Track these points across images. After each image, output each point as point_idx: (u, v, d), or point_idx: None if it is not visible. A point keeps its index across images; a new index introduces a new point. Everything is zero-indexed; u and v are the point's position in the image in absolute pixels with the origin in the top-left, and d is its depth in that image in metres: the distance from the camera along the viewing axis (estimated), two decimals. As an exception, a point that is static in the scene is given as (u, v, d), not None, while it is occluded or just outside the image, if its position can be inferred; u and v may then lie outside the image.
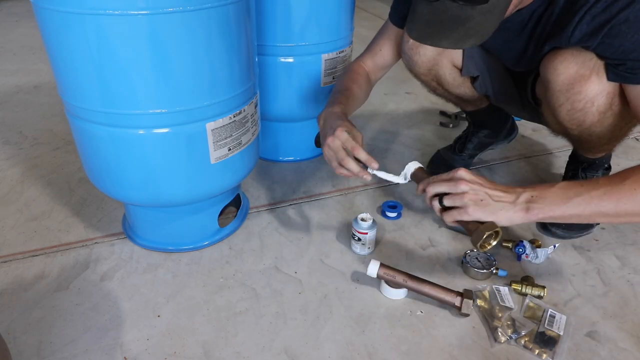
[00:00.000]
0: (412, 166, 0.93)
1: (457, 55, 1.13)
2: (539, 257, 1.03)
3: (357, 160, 0.89)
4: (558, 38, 0.86)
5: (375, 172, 0.92)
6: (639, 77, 0.82)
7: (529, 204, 0.79)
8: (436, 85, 1.20)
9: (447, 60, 1.13)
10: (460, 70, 1.15)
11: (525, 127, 1.62)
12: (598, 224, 1.14)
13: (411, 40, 1.09)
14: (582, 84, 0.88)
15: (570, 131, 1.00)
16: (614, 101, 0.89)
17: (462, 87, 1.19)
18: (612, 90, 0.88)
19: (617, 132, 0.96)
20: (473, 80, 1.18)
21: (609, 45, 0.81)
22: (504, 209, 0.80)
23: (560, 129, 1.04)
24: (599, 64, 0.86)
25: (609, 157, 1.15)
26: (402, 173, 0.94)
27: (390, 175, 0.93)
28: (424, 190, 0.86)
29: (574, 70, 0.88)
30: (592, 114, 0.91)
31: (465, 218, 0.81)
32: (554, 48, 0.90)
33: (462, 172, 0.82)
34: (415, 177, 0.92)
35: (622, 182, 0.76)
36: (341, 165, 0.89)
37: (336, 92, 1.06)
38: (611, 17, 0.78)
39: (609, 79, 0.86)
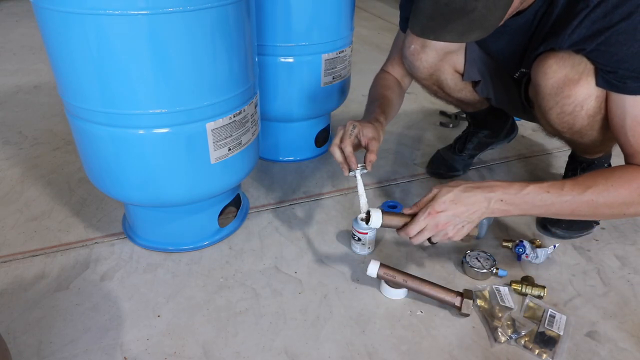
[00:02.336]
0: (377, 220, 0.87)
1: (458, 60, 1.13)
2: (539, 257, 1.03)
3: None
4: (554, 40, 0.86)
5: (354, 173, 0.93)
6: (628, 87, 0.82)
7: (498, 207, 0.84)
8: (437, 89, 1.21)
9: (448, 66, 1.13)
10: (462, 75, 1.15)
11: (525, 127, 1.62)
12: (598, 223, 1.14)
13: (413, 46, 1.09)
14: (571, 87, 0.88)
15: (562, 134, 1.00)
16: (603, 105, 0.89)
17: (464, 91, 1.19)
18: (601, 94, 0.88)
19: (610, 135, 0.95)
20: (474, 84, 1.17)
21: (604, 53, 0.81)
22: (480, 218, 0.85)
23: (553, 131, 1.04)
24: (589, 68, 0.86)
25: (608, 157, 1.15)
26: (363, 214, 0.89)
27: (362, 193, 0.93)
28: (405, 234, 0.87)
29: (563, 74, 0.88)
30: (581, 117, 0.92)
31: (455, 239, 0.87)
32: (547, 50, 0.90)
33: (435, 211, 0.83)
34: (386, 224, 0.88)
35: (583, 192, 0.81)
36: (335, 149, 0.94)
37: (371, 102, 1.10)
38: (610, 25, 0.77)
39: (598, 84, 0.86)
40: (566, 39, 0.83)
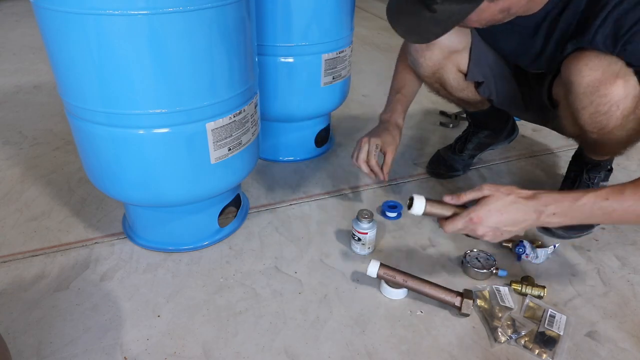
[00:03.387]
0: (420, 207, 0.87)
1: (462, 60, 1.13)
2: (539, 257, 1.03)
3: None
4: (580, 38, 0.86)
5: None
6: None
7: (550, 220, 0.81)
8: (439, 88, 1.21)
9: (452, 65, 1.13)
10: (465, 75, 1.15)
11: (526, 127, 1.61)
12: (598, 224, 1.14)
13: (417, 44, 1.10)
14: (608, 87, 0.86)
15: (589, 134, 0.97)
16: (638, 104, 0.88)
17: (466, 91, 1.19)
18: (638, 93, 0.87)
19: (635, 136, 0.94)
20: (477, 85, 1.17)
21: (631, 52, 0.80)
22: (527, 228, 0.84)
23: (576, 132, 1.02)
24: (626, 67, 0.85)
25: (612, 159, 1.15)
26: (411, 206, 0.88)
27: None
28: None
29: (600, 73, 0.86)
30: (616, 117, 0.89)
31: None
32: (578, 48, 0.89)
33: (478, 217, 0.82)
34: (428, 212, 0.88)
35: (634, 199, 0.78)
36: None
37: (394, 93, 1.21)
38: (634, 23, 0.77)
39: None
40: (592, 39, 0.83)
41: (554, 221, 0.82)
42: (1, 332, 0.71)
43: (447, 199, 0.87)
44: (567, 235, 1.11)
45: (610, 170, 1.18)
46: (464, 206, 0.86)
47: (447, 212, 0.87)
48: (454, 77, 1.15)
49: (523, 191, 0.83)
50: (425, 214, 0.87)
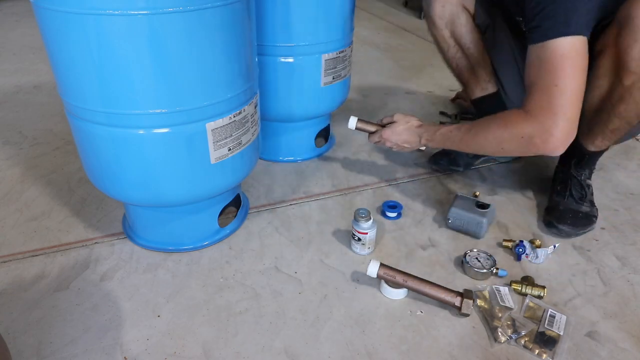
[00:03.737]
0: (352, 122, 1.25)
1: (471, 4, 1.24)
2: (538, 257, 1.03)
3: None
4: None
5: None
6: None
7: (425, 143, 1.16)
8: (448, 36, 1.25)
9: (463, 10, 1.22)
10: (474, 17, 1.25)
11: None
12: (596, 217, 1.16)
13: None
14: None
15: (626, 80, 0.96)
16: None
17: (473, 42, 1.25)
18: None
19: None
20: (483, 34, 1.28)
21: None
22: (415, 147, 1.19)
23: (605, 86, 1.02)
24: None
25: (596, 160, 1.18)
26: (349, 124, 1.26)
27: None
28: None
29: None
30: None
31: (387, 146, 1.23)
32: None
33: (386, 134, 1.20)
34: (361, 129, 1.27)
35: (469, 129, 1.06)
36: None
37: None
38: None
39: None
40: None
41: (429, 144, 1.16)
42: (1, 332, 0.71)
43: (374, 123, 1.25)
44: (573, 232, 1.12)
45: (592, 172, 1.19)
46: (383, 126, 1.23)
47: (372, 129, 1.25)
48: (464, 23, 1.23)
49: (416, 122, 1.18)
50: (357, 128, 1.25)
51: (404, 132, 1.17)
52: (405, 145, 1.19)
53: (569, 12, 0.88)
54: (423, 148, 1.20)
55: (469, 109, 1.72)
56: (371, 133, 1.24)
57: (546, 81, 0.91)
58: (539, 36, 0.91)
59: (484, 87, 1.30)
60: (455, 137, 1.09)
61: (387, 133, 1.19)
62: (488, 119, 1.03)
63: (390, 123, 1.20)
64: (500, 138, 1.00)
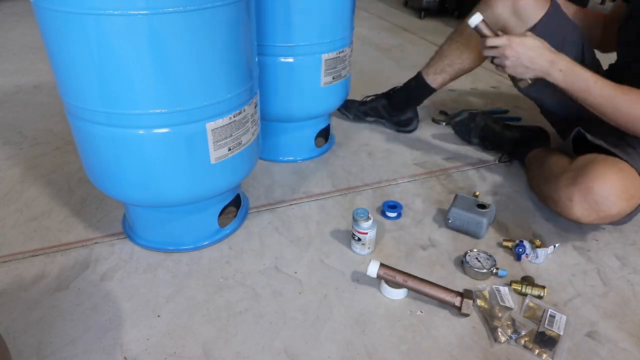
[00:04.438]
0: (477, 18, 1.08)
1: None
2: (539, 257, 1.03)
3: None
4: None
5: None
6: None
7: (554, 73, 1.02)
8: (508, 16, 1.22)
9: None
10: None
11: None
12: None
13: None
14: None
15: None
16: None
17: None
18: None
19: None
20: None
21: None
22: (538, 74, 1.04)
23: None
24: None
25: None
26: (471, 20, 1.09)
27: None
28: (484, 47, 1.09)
29: None
30: None
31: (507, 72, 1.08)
32: None
33: (514, 42, 1.03)
34: (478, 31, 1.09)
35: (614, 93, 0.98)
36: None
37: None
38: None
39: None
40: None
41: (557, 77, 1.02)
42: (1, 332, 0.71)
43: (491, 31, 1.08)
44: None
45: None
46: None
47: (490, 34, 1.08)
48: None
49: (549, 46, 1.03)
50: (475, 28, 1.08)
51: (535, 48, 1.02)
52: (528, 65, 1.03)
53: None
54: (547, 77, 1.04)
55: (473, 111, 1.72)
56: (490, 39, 1.07)
57: None
58: None
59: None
60: (596, 88, 0.99)
61: (515, 41, 1.03)
62: (632, 89, 0.97)
63: (517, 36, 1.04)
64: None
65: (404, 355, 0.84)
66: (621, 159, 1.01)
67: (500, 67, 1.07)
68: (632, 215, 1.04)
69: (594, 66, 1.19)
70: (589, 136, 1.08)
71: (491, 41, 1.06)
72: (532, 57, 1.02)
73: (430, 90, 1.49)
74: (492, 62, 1.10)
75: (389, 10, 3.48)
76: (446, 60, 1.43)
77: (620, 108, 0.99)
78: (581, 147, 1.10)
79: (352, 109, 1.64)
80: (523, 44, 1.02)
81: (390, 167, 1.42)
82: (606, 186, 0.95)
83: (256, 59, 1.00)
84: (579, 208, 0.98)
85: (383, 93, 1.63)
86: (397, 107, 1.56)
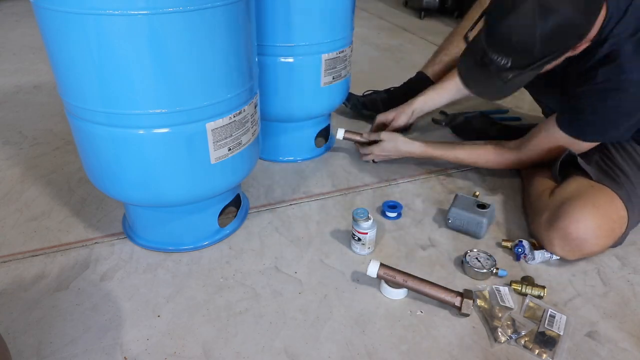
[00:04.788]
0: (341, 132, 1.41)
1: None
2: (535, 258, 1.03)
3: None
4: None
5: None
6: None
7: (413, 157, 1.37)
8: None
9: None
10: None
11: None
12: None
13: None
14: None
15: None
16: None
17: None
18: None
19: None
20: None
21: None
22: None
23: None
24: None
25: None
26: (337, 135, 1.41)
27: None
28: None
29: None
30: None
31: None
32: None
33: (378, 151, 1.36)
34: (347, 138, 1.42)
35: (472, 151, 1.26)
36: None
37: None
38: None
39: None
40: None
41: (417, 156, 1.34)
42: (1, 332, 0.71)
43: (364, 135, 1.40)
44: None
45: None
46: (369, 143, 1.38)
47: (359, 138, 1.40)
48: None
49: (402, 139, 1.32)
50: (344, 138, 1.41)
51: (392, 150, 1.34)
52: (394, 157, 1.37)
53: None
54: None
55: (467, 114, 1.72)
56: (361, 144, 1.40)
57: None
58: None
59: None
60: (450, 157, 1.29)
61: (378, 152, 1.35)
62: (469, 144, 1.28)
63: (378, 141, 1.34)
64: (490, 162, 1.26)
65: (404, 355, 0.84)
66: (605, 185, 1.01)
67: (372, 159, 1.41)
68: (621, 240, 1.05)
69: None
70: (579, 159, 1.07)
71: (363, 150, 1.39)
72: (393, 153, 1.35)
73: (428, 82, 1.58)
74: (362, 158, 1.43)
75: (389, 10, 3.48)
76: (442, 52, 1.59)
77: (479, 163, 1.27)
78: (571, 164, 1.10)
79: (352, 99, 1.69)
80: (383, 149, 1.34)
81: (390, 167, 1.42)
82: (581, 229, 0.96)
83: (256, 59, 0.99)
84: (560, 249, 1.00)
85: (384, 89, 1.71)
86: (396, 100, 1.58)
